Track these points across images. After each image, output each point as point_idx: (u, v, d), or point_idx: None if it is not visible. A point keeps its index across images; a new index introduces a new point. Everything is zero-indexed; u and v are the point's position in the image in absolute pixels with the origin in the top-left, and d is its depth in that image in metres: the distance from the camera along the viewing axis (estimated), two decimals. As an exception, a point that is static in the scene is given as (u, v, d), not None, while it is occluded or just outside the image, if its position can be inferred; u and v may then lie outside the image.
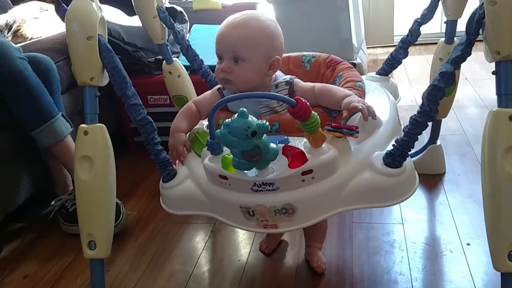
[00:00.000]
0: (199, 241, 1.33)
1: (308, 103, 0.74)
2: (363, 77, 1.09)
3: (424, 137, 1.54)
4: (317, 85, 0.95)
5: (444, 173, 1.52)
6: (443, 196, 1.40)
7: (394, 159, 0.81)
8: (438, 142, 1.51)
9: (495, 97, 0.78)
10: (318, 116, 0.76)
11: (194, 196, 0.89)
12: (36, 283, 1.23)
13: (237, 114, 0.70)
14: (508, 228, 0.76)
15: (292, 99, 0.73)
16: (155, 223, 1.44)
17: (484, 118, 0.80)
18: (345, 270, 1.14)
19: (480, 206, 0.82)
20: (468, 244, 1.17)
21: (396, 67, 1.32)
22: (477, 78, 2.29)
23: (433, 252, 1.16)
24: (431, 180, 1.48)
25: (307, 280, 1.12)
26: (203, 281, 1.17)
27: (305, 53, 1.14)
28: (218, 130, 0.73)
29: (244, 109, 0.70)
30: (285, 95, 0.94)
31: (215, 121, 0.87)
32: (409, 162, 0.83)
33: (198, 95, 1.44)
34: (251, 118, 0.70)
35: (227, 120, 0.71)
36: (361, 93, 0.96)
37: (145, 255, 1.29)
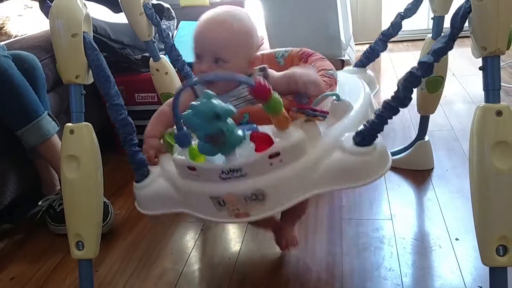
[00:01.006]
0: (189, 239, 1.33)
1: (266, 83, 0.73)
2: (342, 70, 1.07)
3: (412, 133, 1.55)
4: (288, 71, 0.93)
5: (433, 168, 1.53)
6: (432, 192, 1.40)
7: (364, 138, 0.79)
8: (426, 137, 1.52)
9: (482, 92, 0.78)
10: (280, 97, 0.75)
11: (167, 193, 0.87)
12: (24, 284, 1.21)
13: (202, 96, 0.70)
14: (496, 223, 0.77)
15: (251, 80, 0.73)
16: (144, 222, 1.43)
17: (471, 113, 0.80)
18: (336, 267, 1.14)
19: (469, 201, 0.82)
20: (456, 239, 1.18)
21: (374, 60, 1.30)
22: (464, 74, 2.30)
23: (422, 248, 1.17)
24: (420, 176, 1.49)
25: (298, 277, 1.12)
26: (194, 280, 1.17)
27: (278, 49, 1.14)
28: (184, 112, 0.72)
29: (209, 91, 0.70)
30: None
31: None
32: (379, 141, 0.81)
33: (186, 93, 1.44)
34: (217, 101, 0.70)
35: (193, 102, 0.70)
36: (332, 81, 0.96)
37: (134, 255, 1.28)
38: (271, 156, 0.76)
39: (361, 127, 0.81)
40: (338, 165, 0.80)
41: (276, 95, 0.74)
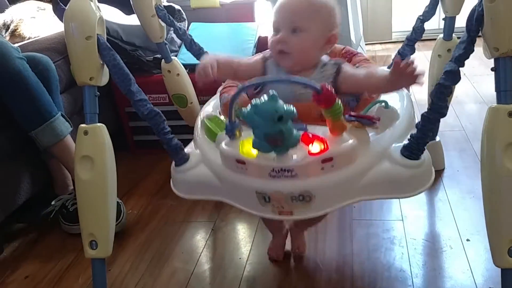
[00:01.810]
0: (200, 239, 1.33)
1: (333, 91, 0.73)
2: None
3: (423, 133, 1.54)
4: (362, 73, 0.93)
5: (444, 169, 1.52)
6: (443, 192, 1.40)
7: (411, 152, 0.80)
8: (437, 138, 1.51)
9: (494, 92, 0.78)
10: (341, 105, 0.75)
11: (208, 180, 0.88)
12: (37, 283, 1.23)
13: (268, 97, 0.70)
14: (508, 224, 0.76)
15: (318, 86, 0.73)
16: (156, 222, 1.44)
17: (483, 114, 0.80)
18: (346, 267, 1.14)
19: (480, 201, 0.82)
20: (468, 240, 1.18)
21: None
22: (475, 74, 2.29)
23: (433, 249, 1.17)
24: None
25: (308, 278, 1.13)
26: (204, 280, 1.18)
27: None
28: (244, 109, 0.72)
29: (275, 93, 0.70)
30: (330, 75, 0.94)
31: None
32: (426, 154, 0.83)
33: (197, 94, 1.45)
34: (280, 102, 0.70)
35: (256, 100, 0.71)
36: None
37: (146, 254, 1.29)
38: (324, 161, 0.76)
39: (407, 141, 0.81)
40: (386, 175, 0.81)
41: (338, 101, 0.74)
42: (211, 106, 1.10)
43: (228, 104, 0.82)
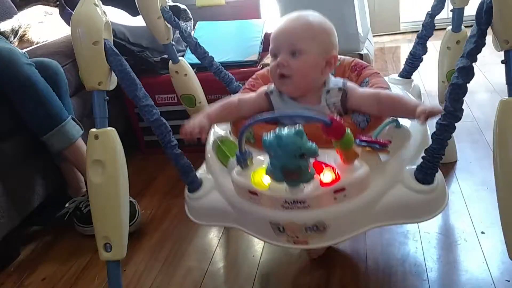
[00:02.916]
0: (213, 238, 1.34)
1: (342, 122, 0.72)
2: (387, 80, 1.06)
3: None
4: (383, 92, 0.91)
5: (456, 161, 1.51)
6: (456, 185, 1.39)
7: (426, 173, 0.79)
8: (449, 130, 1.49)
9: (505, 81, 0.77)
10: (351, 134, 0.74)
11: (222, 208, 0.88)
12: (54, 284, 1.25)
13: (294, 130, 0.68)
14: (522, 217, 0.76)
15: (327, 119, 0.71)
16: (169, 221, 1.45)
17: (494, 103, 0.79)
18: (360, 263, 1.14)
19: (493, 193, 0.81)
20: (482, 232, 1.17)
21: (418, 65, 1.29)
22: (486, 63, 2.24)
23: (447, 242, 1.16)
24: (443, 169, 1.43)
25: (322, 274, 1.13)
26: (219, 278, 1.18)
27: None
28: (266, 136, 0.70)
29: (302, 127, 0.69)
30: (336, 101, 0.92)
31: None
32: (440, 177, 0.82)
33: (205, 94, 1.45)
34: (305, 138, 0.69)
35: (280, 130, 0.69)
36: None
37: (160, 254, 1.30)
38: (336, 191, 0.75)
39: (421, 159, 0.80)
40: (399, 201, 0.80)
41: (348, 131, 0.73)
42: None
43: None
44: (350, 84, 0.94)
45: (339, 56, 1.09)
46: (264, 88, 0.99)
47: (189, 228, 1.39)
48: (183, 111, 1.51)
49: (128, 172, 0.97)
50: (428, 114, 0.77)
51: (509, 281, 1.01)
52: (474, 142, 1.61)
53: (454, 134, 1.46)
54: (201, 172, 0.98)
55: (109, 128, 0.93)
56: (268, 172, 0.74)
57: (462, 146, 1.56)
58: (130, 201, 1.30)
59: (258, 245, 1.27)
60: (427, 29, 1.25)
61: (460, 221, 1.23)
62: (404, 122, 0.90)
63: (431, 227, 1.22)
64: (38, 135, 1.36)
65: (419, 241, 1.17)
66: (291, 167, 0.70)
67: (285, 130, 0.69)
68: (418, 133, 0.91)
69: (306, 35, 0.90)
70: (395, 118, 0.89)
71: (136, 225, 1.38)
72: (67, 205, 1.47)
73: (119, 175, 0.93)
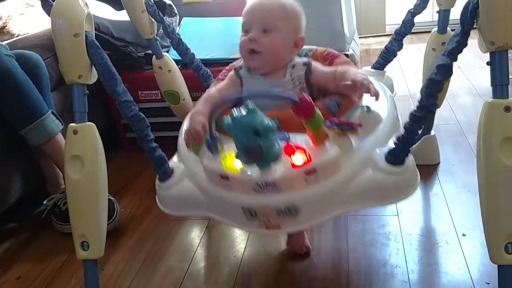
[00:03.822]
0: (194, 237, 1.32)
1: (311, 101, 0.72)
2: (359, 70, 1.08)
3: (418, 127, 1.53)
4: (339, 69, 0.95)
5: (439, 163, 1.52)
6: (438, 187, 1.39)
7: (396, 156, 0.80)
8: (432, 132, 1.50)
9: (488, 85, 0.77)
10: (321, 114, 0.74)
11: (193, 196, 0.87)
12: (29, 283, 1.22)
13: (247, 109, 0.69)
14: (504, 220, 0.76)
15: (296, 97, 0.72)
16: (149, 220, 1.43)
17: (477, 106, 0.79)
18: (342, 264, 1.13)
19: (476, 196, 0.81)
20: (463, 235, 1.17)
21: (391, 60, 1.31)
22: (470, 67, 2.28)
23: (429, 244, 1.16)
24: (426, 171, 1.48)
25: (304, 274, 1.12)
26: (199, 278, 1.17)
27: (303, 47, 1.13)
28: (225, 119, 0.71)
29: (253, 105, 0.69)
30: (300, 75, 0.95)
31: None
32: (410, 158, 0.82)
33: (190, 91, 1.43)
34: (260, 115, 0.69)
35: (236, 112, 0.70)
36: None
37: (139, 253, 1.28)
38: (307, 173, 0.75)
39: (391, 143, 0.81)
40: (370, 183, 0.80)
41: (318, 111, 0.73)
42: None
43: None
44: (315, 62, 0.97)
45: (311, 47, 1.11)
46: (233, 68, 1.01)
47: (170, 227, 1.37)
48: (167, 108, 1.48)
49: (109, 169, 0.95)
50: (357, 84, 0.84)
51: (489, 283, 1.01)
52: (457, 144, 1.62)
53: (437, 136, 1.50)
54: (173, 162, 0.96)
55: (88, 123, 0.91)
56: (237, 156, 0.74)
57: (445, 149, 1.57)
58: (109, 199, 1.28)
59: (240, 245, 1.25)
60: (406, 26, 1.25)
61: (441, 223, 1.23)
62: (375, 108, 0.90)
63: (413, 228, 1.22)
64: (17, 129, 1.33)
65: (400, 242, 1.17)
66: (252, 146, 0.70)
67: (239, 111, 0.69)
68: (388, 118, 0.92)
69: (279, 14, 0.94)
70: (365, 104, 0.90)
71: (115, 223, 1.35)
72: (45, 202, 1.44)
73: (98, 171, 0.91)
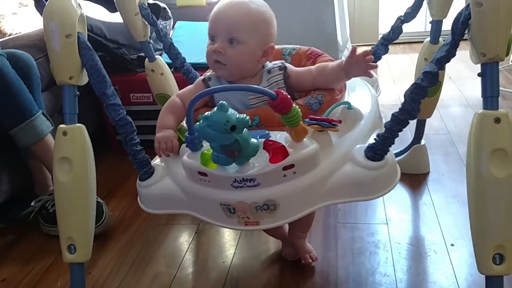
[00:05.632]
0: (183, 242, 1.31)
1: (289, 96, 0.72)
2: None
3: (408, 136, 1.54)
4: (313, 66, 0.95)
5: (428, 172, 1.52)
6: (427, 196, 1.40)
7: (375, 152, 0.80)
8: (423, 141, 1.51)
9: (479, 96, 0.78)
10: (299, 109, 0.74)
11: (173, 194, 0.87)
12: (14, 286, 1.20)
13: (216, 107, 0.68)
14: (493, 231, 0.76)
15: (273, 92, 0.72)
16: (138, 224, 1.41)
17: (468, 117, 0.80)
18: (330, 271, 1.13)
19: (465, 206, 0.81)
20: (452, 244, 1.17)
21: (376, 63, 1.31)
22: (461, 77, 2.30)
23: (417, 253, 1.16)
24: (415, 180, 1.48)
25: (292, 282, 1.11)
26: (187, 283, 1.16)
27: (285, 46, 1.13)
28: (197, 124, 0.71)
29: (224, 102, 0.69)
30: (279, 80, 0.94)
31: (194, 117, 0.84)
32: (390, 155, 0.82)
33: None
34: (231, 111, 0.69)
35: (206, 113, 0.69)
36: (342, 86, 0.97)
37: (127, 257, 1.27)
38: (285, 168, 0.75)
39: (372, 140, 0.81)
40: (349, 178, 0.80)
41: (296, 106, 0.73)
42: None
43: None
44: (288, 64, 0.96)
45: (295, 46, 1.11)
46: (201, 78, 0.99)
47: (159, 231, 1.36)
48: (159, 111, 1.47)
49: (98, 172, 0.94)
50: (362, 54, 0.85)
51: (476, 293, 1.01)
52: (447, 154, 1.63)
53: (427, 146, 1.51)
54: (154, 162, 0.95)
55: (78, 124, 0.90)
56: (214, 160, 0.74)
57: (435, 158, 1.58)
58: (98, 202, 1.27)
59: (229, 251, 1.25)
60: (394, 32, 1.25)
61: (430, 233, 1.23)
62: (356, 104, 0.91)
63: (402, 237, 1.22)
64: (6, 129, 1.31)
65: (389, 251, 1.17)
66: (229, 143, 0.69)
67: (210, 111, 0.69)
68: (370, 115, 0.92)
69: (245, 25, 0.90)
70: (346, 101, 0.91)
71: (103, 226, 1.34)
72: (33, 203, 1.42)
73: (86, 173, 0.90)
